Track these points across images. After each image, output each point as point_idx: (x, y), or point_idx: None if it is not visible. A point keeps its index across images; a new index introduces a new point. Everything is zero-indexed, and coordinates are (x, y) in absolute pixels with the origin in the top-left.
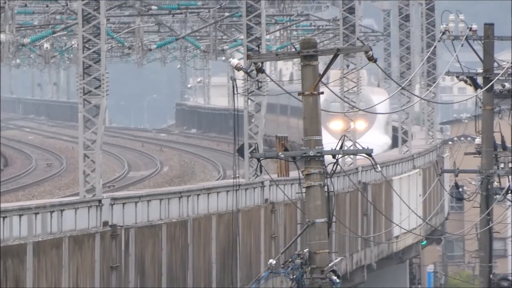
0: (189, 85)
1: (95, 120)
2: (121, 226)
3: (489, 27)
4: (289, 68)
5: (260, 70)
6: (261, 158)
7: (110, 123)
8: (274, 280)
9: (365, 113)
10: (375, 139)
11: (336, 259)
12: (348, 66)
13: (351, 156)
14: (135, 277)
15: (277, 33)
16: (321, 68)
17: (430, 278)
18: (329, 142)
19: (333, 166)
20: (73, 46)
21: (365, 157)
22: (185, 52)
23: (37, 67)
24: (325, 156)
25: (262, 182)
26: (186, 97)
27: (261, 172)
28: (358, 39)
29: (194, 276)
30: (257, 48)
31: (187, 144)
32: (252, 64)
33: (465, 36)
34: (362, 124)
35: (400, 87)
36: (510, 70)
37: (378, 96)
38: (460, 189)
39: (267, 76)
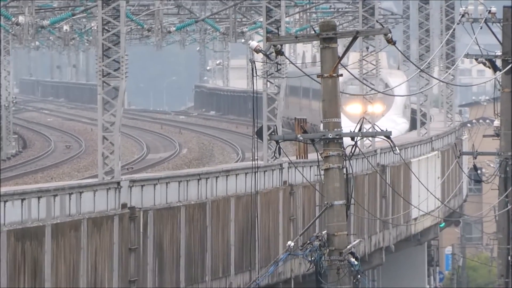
0: (208, 67)
1: (114, 102)
2: (140, 208)
3: (508, 9)
4: (308, 51)
5: (280, 53)
6: (279, 140)
7: (129, 105)
8: (292, 262)
9: (383, 96)
10: (393, 121)
11: (354, 241)
12: (367, 48)
13: (370, 138)
14: (153, 259)
15: (297, 16)
16: (340, 51)
17: (448, 260)
18: (346, 125)
19: (351, 148)
20: (92, 28)
21: (383, 139)
22: (204, 34)
23: (56, 49)
24: (344, 138)
25: (281, 164)
26: (205, 79)
27: (279, 154)
28: (377, 21)
29: (212, 258)
30: (276, 31)
31: (206, 126)
32: (272, 46)
33: (484, 19)
34: (379, 107)
35: (419, 70)
36: None
37: (396, 79)
38: (479, 171)
39: (286, 58)
